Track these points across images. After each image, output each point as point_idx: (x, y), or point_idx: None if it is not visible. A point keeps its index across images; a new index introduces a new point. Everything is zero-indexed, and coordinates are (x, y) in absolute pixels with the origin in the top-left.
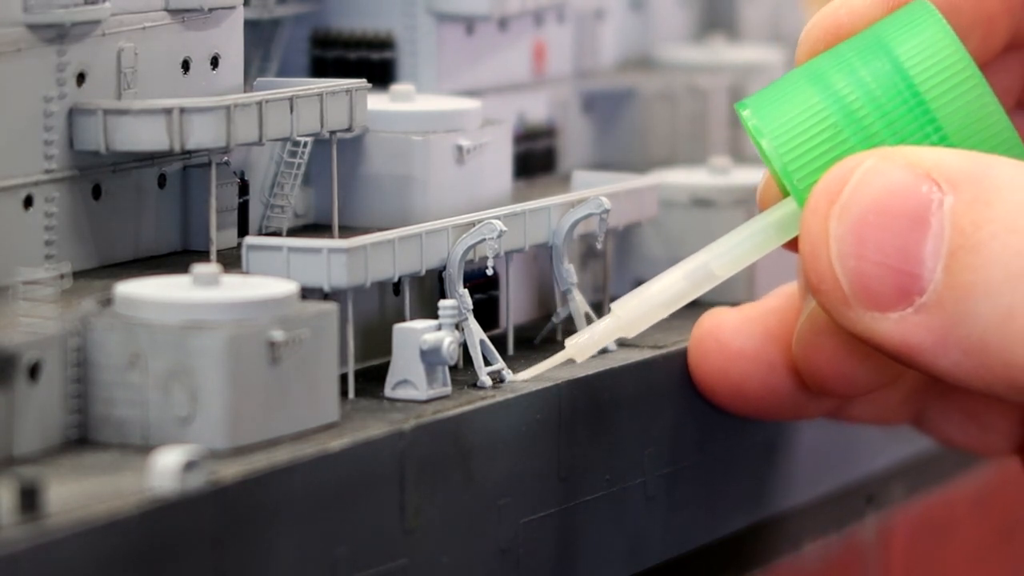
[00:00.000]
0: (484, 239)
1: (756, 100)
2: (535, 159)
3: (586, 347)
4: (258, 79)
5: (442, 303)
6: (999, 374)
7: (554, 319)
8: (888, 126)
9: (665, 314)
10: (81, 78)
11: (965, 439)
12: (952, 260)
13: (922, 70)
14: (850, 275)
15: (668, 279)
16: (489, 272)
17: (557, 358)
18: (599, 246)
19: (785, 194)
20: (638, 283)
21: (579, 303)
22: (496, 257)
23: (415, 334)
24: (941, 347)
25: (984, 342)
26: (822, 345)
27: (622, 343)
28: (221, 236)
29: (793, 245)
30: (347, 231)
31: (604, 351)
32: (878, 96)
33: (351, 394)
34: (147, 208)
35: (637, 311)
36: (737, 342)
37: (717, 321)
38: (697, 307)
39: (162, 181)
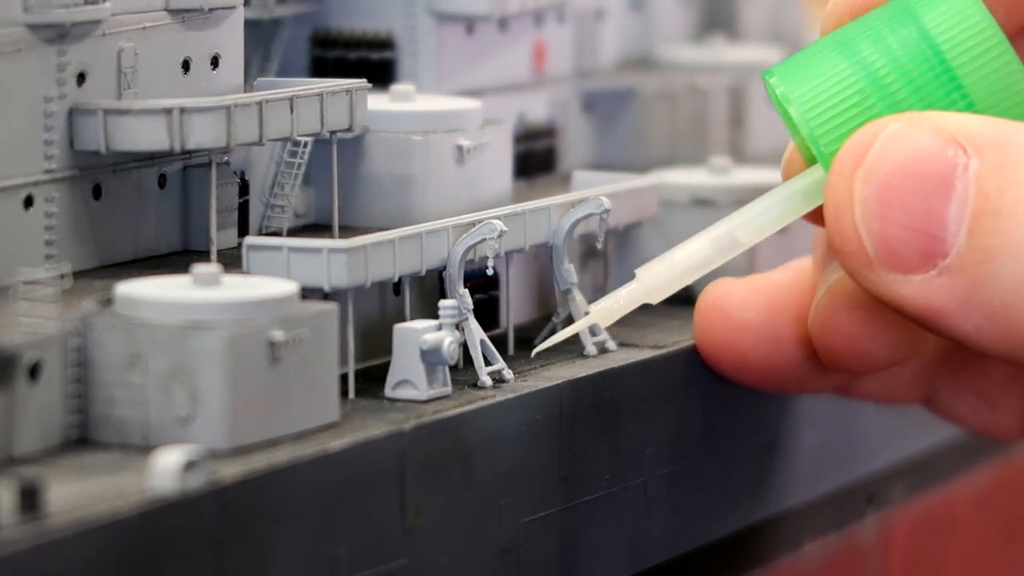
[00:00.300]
0: (484, 239)
1: (783, 68)
2: (535, 159)
3: (610, 312)
4: (258, 79)
5: (442, 303)
6: (1020, 339)
7: (554, 319)
8: (915, 92)
9: (690, 280)
10: (81, 78)
11: (976, 420)
12: (975, 224)
13: (949, 37)
14: (874, 238)
15: (693, 246)
16: (489, 272)
17: (580, 324)
18: (599, 246)
19: (811, 162)
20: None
21: (579, 303)
22: (496, 257)
23: (415, 334)
24: (963, 310)
25: (1006, 306)
26: (839, 321)
27: (622, 343)
28: (221, 236)
29: (818, 216)
30: (347, 231)
31: (604, 351)
32: (905, 63)
33: (351, 394)
34: (147, 208)
35: (661, 277)
36: (742, 313)
37: (723, 292)
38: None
39: (162, 181)
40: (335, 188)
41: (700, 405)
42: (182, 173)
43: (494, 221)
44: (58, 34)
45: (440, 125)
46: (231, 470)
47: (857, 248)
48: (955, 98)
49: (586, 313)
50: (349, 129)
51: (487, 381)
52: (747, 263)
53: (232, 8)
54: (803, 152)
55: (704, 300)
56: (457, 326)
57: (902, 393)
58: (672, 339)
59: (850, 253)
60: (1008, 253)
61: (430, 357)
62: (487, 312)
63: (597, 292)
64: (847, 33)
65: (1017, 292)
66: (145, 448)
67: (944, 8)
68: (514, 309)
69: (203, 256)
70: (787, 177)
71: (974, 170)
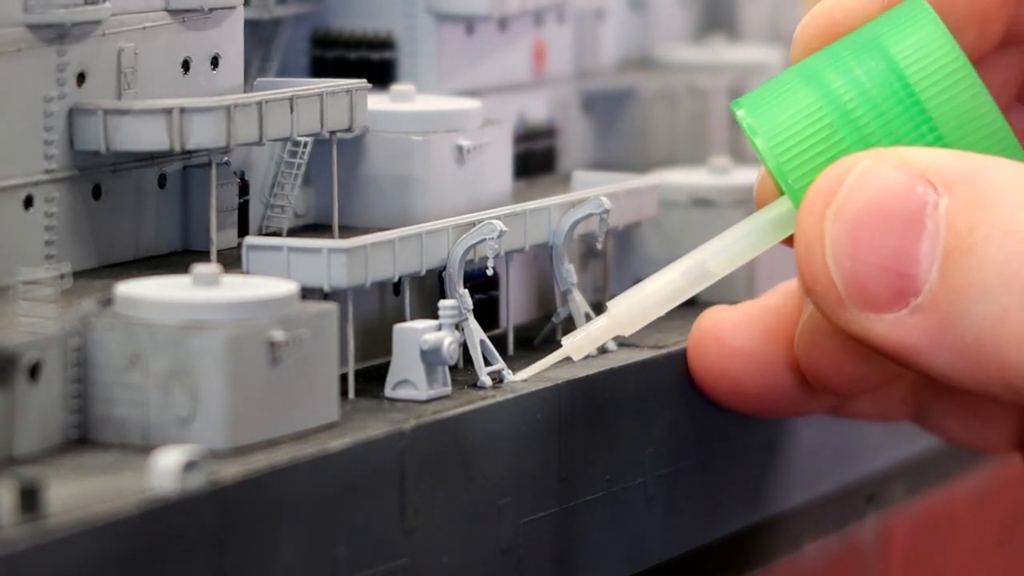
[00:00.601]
0: (484, 239)
1: (751, 99)
2: (535, 159)
3: (582, 345)
4: (258, 79)
5: (442, 303)
6: (994, 375)
7: (554, 319)
8: (884, 126)
9: (661, 312)
10: (81, 78)
11: (967, 435)
12: (947, 262)
13: (917, 69)
14: (845, 276)
15: (664, 277)
16: (489, 272)
17: (553, 357)
18: (599, 246)
19: (781, 192)
20: (638, 283)
21: (579, 303)
22: (496, 257)
23: (415, 334)
24: (936, 348)
25: (979, 343)
26: (823, 343)
27: (622, 343)
28: (221, 236)
29: (789, 243)
30: (347, 231)
31: (604, 351)
32: (873, 96)
33: (351, 394)
34: (147, 208)
35: (633, 310)
36: (736, 340)
37: (717, 319)
38: (696, 306)
39: (162, 181)
40: (335, 188)
41: (700, 405)
42: (182, 173)
43: (494, 221)
44: (58, 34)
45: (440, 125)
46: (231, 470)
47: (828, 287)
48: (924, 131)
49: (559, 346)
50: (349, 129)
51: (487, 381)
52: (747, 278)
53: (232, 8)
54: (775, 181)
55: (699, 327)
56: (457, 326)
57: (893, 411)
58: (672, 339)
59: (822, 292)
60: (980, 290)
61: (430, 357)
62: (487, 312)
63: (597, 292)
64: (815, 63)
65: (990, 329)
66: (145, 448)
67: (911, 40)
68: (514, 309)
69: (203, 256)
70: (761, 203)
71: (944, 207)
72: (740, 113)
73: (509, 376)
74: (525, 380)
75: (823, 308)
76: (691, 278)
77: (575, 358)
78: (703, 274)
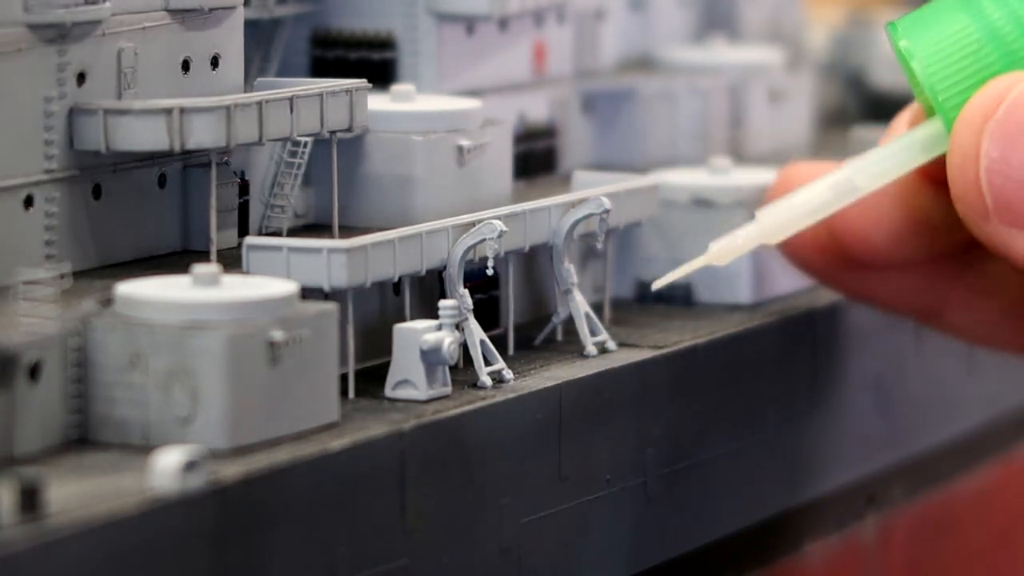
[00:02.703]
0: (484, 239)
1: (906, 22)
2: (535, 159)
3: (728, 250)
4: (258, 79)
5: (442, 303)
6: None
7: (554, 319)
8: None
9: (809, 223)
10: (81, 78)
11: (983, 333)
12: None
13: None
14: (995, 191)
15: (813, 190)
16: (489, 272)
17: (699, 262)
18: (599, 246)
19: (931, 114)
20: (638, 283)
21: (579, 303)
22: (496, 257)
23: (415, 334)
24: None
25: None
26: (853, 207)
27: (622, 343)
28: (221, 236)
29: (932, 169)
30: (347, 231)
31: (604, 351)
32: (1022, 17)
33: (351, 394)
34: (147, 208)
35: (780, 218)
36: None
37: (795, 169)
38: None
39: (162, 181)
40: (335, 188)
41: (700, 405)
42: (182, 173)
43: (494, 221)
44: (58, 34)
45: (440, 125)
46: (231, 470)
47: (977, 198)
48: None
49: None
50: (349, 129)
51: (487, 381)
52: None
53: (232, 8)
54: (923, 104)
55: (780, 177)
56: (457, 326)
57: (912, 298)
58: (672, 339)
59: (971, 203)
60: None
61: (430, 357)
62: (487, 312)
63: (597, 292)
64: None
65: None
66: (145, 448)
67: None
68: (514, 309)
69: (203, 256)
70: (911, 125)
71: None
72: (898, 38)
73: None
74: (664, 285)
75: (969, 218)
76: (839, 191)
77: (720, 264)
78: (850, 188)
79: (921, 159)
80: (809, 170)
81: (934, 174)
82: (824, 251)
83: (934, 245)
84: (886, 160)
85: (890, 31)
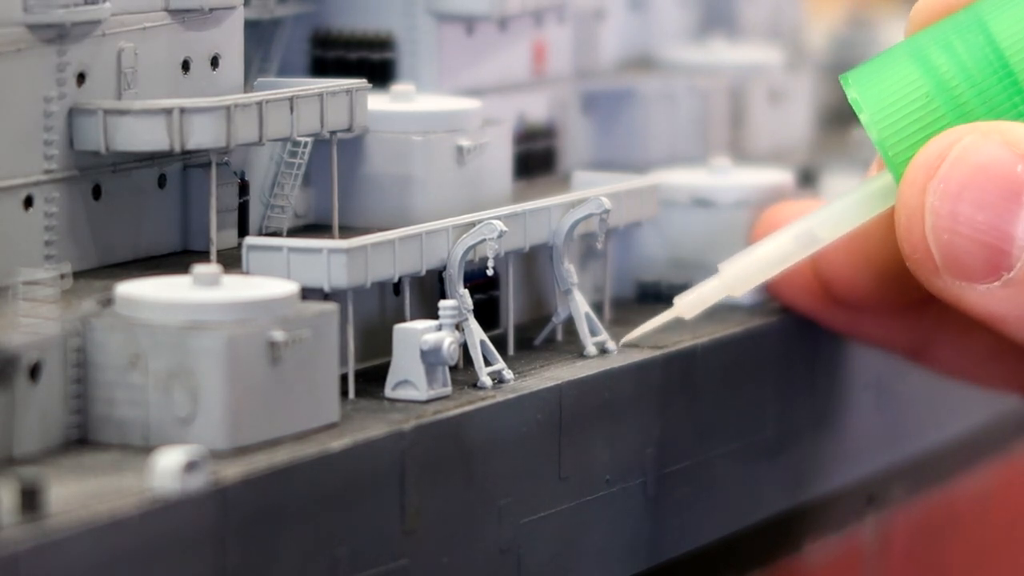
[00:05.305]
0: (484, 239)
1: (859, 73)
2: (535, 159)
3: (694, 304)
4: (258, 79)
5: (442, 303)
6: None
7: (554, 319)
8: (983, 103)
9: (771, 274)
10: (81, 78)
11: (972, 370)
12: None
13: (1012, 43)
14: (942, 248)
15: (775, 241)
16: (489, 272)
17: (663, 316)
18: (599, 246)
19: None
20: (638, 283)
21: (579, 303)
22: (496, 257)
23: (415, 334)
24: (1022, 320)
25: None
26: (835, 251)
27: (624, 344)
28: (221, 236)
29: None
30: (347, 231)
31: (604, 351)
32: (971, 71)
33: (351, 394)
34: (147, 208)
35: (743, 271)
36: None
37: (781, 209)
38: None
39: (162, 181)
40: (335, 188)
41: (700, 405)
42: (182, 173)
43: (494, 221)
44: (58, 34)
45: (440, 125)
46: (231, 470)
47: (926, 256)
48: (1021, 106)
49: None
50: (349, 129)
51: (487, 381)
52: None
53: (232, 8)
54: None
55: (765, 217)
56: (457, 326)
57: (900, 337)
58: (672, 339)
59: (920, 260)
60: None
61: (430, 357)
62: (487, 312)
63: (597, 292)
64: (920, 39)
65: None
66: (145, 448)
67: (1010, 14)
68: (514, 309)
69: (203, 256)
70: (876, 170)
71: None
72: (849, 89)
73: (611, 347)
74: (631, 344)
75: (919, 274)
76: (800, 243)
77: (686, 317)
78: (812, 239)
79: (878, 208)
80: (795, 211)
81: None
82: (811, 292)
83: (920, 286)
84: (846, 211)
85: (843, 82)
